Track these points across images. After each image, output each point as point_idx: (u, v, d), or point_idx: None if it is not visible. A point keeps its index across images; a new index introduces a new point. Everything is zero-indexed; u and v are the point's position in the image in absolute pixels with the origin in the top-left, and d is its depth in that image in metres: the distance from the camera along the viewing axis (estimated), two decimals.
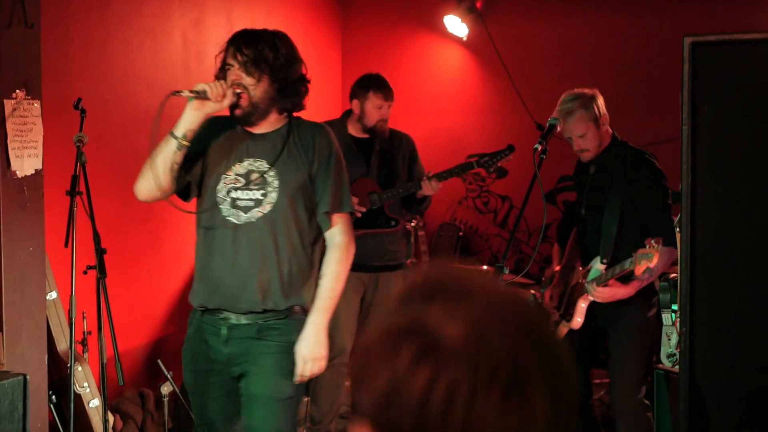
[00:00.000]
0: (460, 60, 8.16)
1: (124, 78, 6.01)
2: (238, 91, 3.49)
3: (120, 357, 4.43)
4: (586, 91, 4.73)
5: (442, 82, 8.22)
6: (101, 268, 4.37)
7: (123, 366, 4.49)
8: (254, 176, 3.54)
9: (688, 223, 2.42)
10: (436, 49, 8.23)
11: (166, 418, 5.27)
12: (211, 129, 3.65)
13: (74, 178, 4.51)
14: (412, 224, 7.30)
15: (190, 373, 3.68)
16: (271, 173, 3.53)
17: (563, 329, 4.88)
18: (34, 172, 4.50)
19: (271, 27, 7.43)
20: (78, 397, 4.92)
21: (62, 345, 5.01)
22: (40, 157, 4.54)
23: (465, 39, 7.97)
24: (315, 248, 3.66)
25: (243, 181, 3.55)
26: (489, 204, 8.09)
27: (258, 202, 3.52)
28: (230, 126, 3.65)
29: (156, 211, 6.24)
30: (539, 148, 4.09)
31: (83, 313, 5.01)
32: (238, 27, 7.07)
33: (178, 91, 3.48)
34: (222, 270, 3.54)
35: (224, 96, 3.45)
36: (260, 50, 3.51)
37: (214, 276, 3.57)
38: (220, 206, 3.56)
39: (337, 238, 3.64)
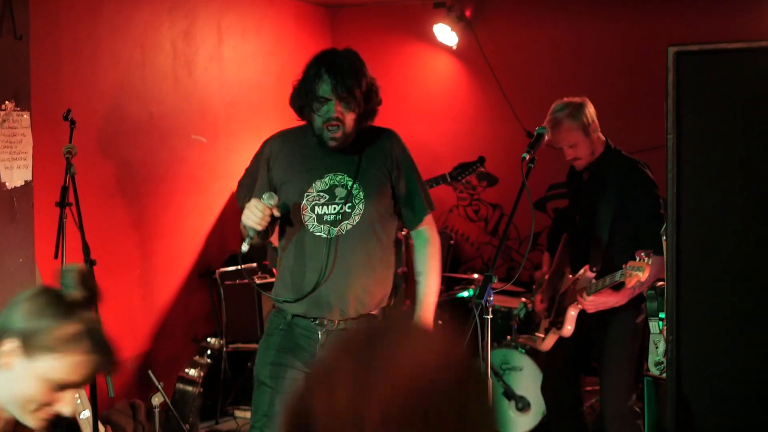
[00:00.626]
0: (450, 68, 8.17)
1: (114, 89, 6.02)
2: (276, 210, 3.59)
3: None
4: (575, 99, 4.74)
5: (432, 91, 8.23)
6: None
7: (113, 377, 4.48)
8: (339, 191, 3.67)
9: (674, 231, 2.44)
10: (425, 57, 8.25)
11: (157, 428, 5.27)
12: (285, 146, 3.81)
13: (64, 190, 4.51)
14: (403, 233, 7.30)
15: (268, 365, 3.75)
16: (356, 186, 3.67)
17: (553, 337, 4.89)
18: (23, 183, 4.52)
19: (260, 37, 7.48)
20: None
21: None
22: (30, 168, 4.55)
23: (455, 47, 7.99)
24: (395, 247, 3.85)
25: (326, 196, 3.68)
26: (480, 212, 8.10)
27: (346, 215, 3.67)
28: (302, 140, 3.78)
29: (145, 223, 6.25)
30: (527, 157, 4.09)
31: None
32: (228, 38, 7.14)
33: (241, 253, 3.61)
34: (318, 283, 3.67)
35: (270, 215, 3.57)
36: (358, 84, 3.61)
37: (311, 289, 3.69)
38: (307, 223, 3.68)
39: (428, 234, 3.85)
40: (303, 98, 3.67)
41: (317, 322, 3.71)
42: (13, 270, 4.48)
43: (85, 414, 4.98)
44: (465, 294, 6.43)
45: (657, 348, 3.92)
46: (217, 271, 6.44)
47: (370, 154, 3.75)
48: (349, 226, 3.67)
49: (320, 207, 3.68)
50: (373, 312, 3.77)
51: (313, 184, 3.70)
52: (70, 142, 4.58)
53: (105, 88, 5.94)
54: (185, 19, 6.66)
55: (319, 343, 3.69)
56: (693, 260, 2.45)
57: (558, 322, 4.84)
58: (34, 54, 4.66)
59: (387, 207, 3.76)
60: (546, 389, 5.13)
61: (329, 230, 3.66)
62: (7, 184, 4.44)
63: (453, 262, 7.99)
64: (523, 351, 5.93)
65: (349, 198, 3.66)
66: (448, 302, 6.86)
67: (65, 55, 5.64)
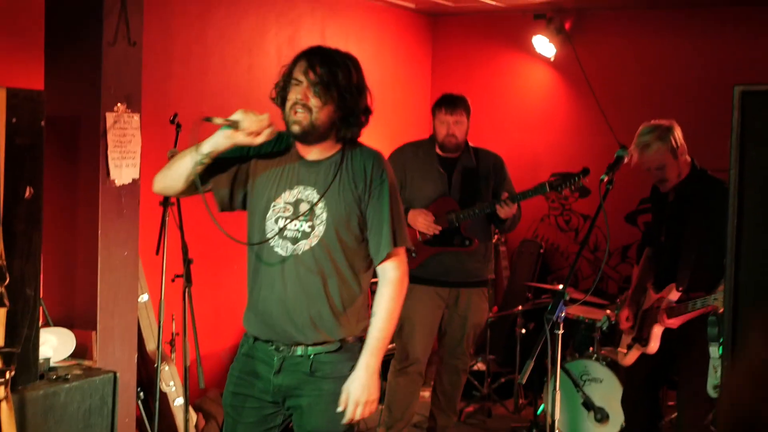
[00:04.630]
0: (547, 80, 8.27)
1: (221, 92, 6.29)
2: (276, 130, 3.31)
3: (204, 360, 4.66)
4: (663, 122, 4.81)
5: (529, 101, 8.35)
6: (188, 278, 4.62)
7: (207, 368, 4.72)
8: (303, 206, 3.37)
9: (733, 262, 2.55)
10: (523, 68, 8.37)
11: None
12: (265, 145, 3.41)
13: None
14: (494, 239, 7.44)
15: (230, 392, 3.54)
16: (320, 205, 3.36)
17: (636, 352, 4.96)
18: (131, 181, 4.78)
19: (364, 43, 7.70)
20: (164, 395, 5.18)
21: (151, 345, 5.29)
22: (138, 167, 4.81)
23: (552, 59, 8.09)
24: (366, 276, 3.51)
25: (292, 210, 3.39)
26: (570, 222, 8.17)
27: (305, 234, 3.36)
28: (285, 146, 3.47)
29: (242, 224, 6.50)
30: (605, 179, 4.20)
31: (172, 316, 5.26)
32: (331, 44, 7.31)
33: (210, 118, 3.30)
34: (270, 303, 3.41)
35: (259, 134, 3.27)
36: (334, 73, 3.31)
37: (263, 308, 3.43)
38: (268, 234, 3.41)
39: (390, 273, 3.46)
40: (281, 85, 3.40)
41: (273, 346, 3.42)
42: (118, 263, 4.75)
43: (179, 401, 5.26)
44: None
45: (716, 372, 3.99)
46: None
47: (347, 175, 3.40)
48: (306, 247, 3.35)
49: (284, 220, 3.38)
50: (348, 340, 3.44)
51: (282, 195, 3.40)
52: (175, 145, 4.84)
53: (212, 91, 6.22)
54: (291, 25, 6.90)
55: (274, 370, 3.41)
56: (750, 290, 2.56)
57: (642, 339, 4.90)
58: (146, 59, 4.92)
59: (353, 233, 3.41)
60: (626, 402, 5.19)
61: (287, 247, 3.37)
62: (116, 181, 4.70)
63: (542, 270, 8.08)
64: (605, 363, 6.02)
65: (311, 216, 3.35)
66: (533, 311, 6.98)
67: (175, 60, 5.93)
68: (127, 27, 4.74)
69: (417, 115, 8.51)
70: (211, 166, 3.38)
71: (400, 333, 5.66)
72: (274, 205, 3.41)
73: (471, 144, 5.84)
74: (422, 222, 5.59)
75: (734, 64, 7.35)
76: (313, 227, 3.35)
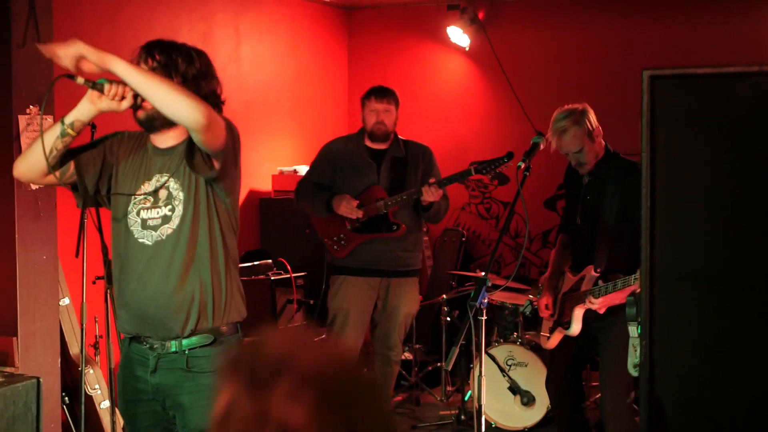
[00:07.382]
0: (462, 69, 8.34)
1: None
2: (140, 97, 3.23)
3: None
4: (577, 106, 4.88)
5: (445, 91, 8.41)
6: (109, 279, 4.57)
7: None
8: (162, 193, 3.37)
9: (648, 242, 2.61)
10: (439, 58, 8.43)
11: None
12: (123, 146, 3.49)
13: None
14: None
15: (122, 401, 3.55)
16: (175, 185, 3.36)
17: (558, 335, 5.03)
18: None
19: (279, 38, 7.67)
20: (89, 398, 5.12)
21: (75, 349, 5.22)
22: None
23: (467, 49, 8.16)
24: (232, 261, 3.48)
25: (152, 199, 3.37)
26: (491, 210, 8.26)
27: (167, 218, 3.35)
28: (143, 145, 3.47)
29: None
30: (522, 166, 4.26)
31: (95, 318, 5.21)
32: (246, 40, 7.33)
33: (73, 76, 3.21)
34: (139, 295, 3.37)
35: (123, 98, 3.24)
36: (173, 58, 3.32)
37: (133, 300, 3.39)
38: (131, 228, 3.39)
39: None
40: None
41: (147, 345, 3.39)
42: (37, 266, 4.68)
43: (106, 404, 5.20)
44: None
45: (636, 351, 4.07)
46: None
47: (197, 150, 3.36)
48: (169, 230, 3.34)
49: (145, 211, 3.37)
50: (222, 330, 3.41)
51: (142, 187, 3.39)
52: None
53: None
54: (203, 22, 6.86)
55: (150, 369, 3.39)
56: (665, 269, 2.62)
57: (564, 322, 4.97)
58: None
59: (212, 203, 3.39)
60: (550, 384, 5.26)
61: (151, 236, 3.34)
62: (31, 184, 4.63)
63: (465, 258, 8.15)
64: (529, 347, 6.10)
65: (169, 200, 3.35)
66: (457, 299, 7.04)
67: None
68: (37, 28, 4.67)
69: (334, 110, 8.52)
70: (76, 160, 3.40)
71: (333, 324, 5.70)
72: (134, 199, 3.40)
73: (400, 137, 5.92)
74: (344, 207, 5.64)
75: (645, 49, 7.50)
76: (173, 209, 3.34)
